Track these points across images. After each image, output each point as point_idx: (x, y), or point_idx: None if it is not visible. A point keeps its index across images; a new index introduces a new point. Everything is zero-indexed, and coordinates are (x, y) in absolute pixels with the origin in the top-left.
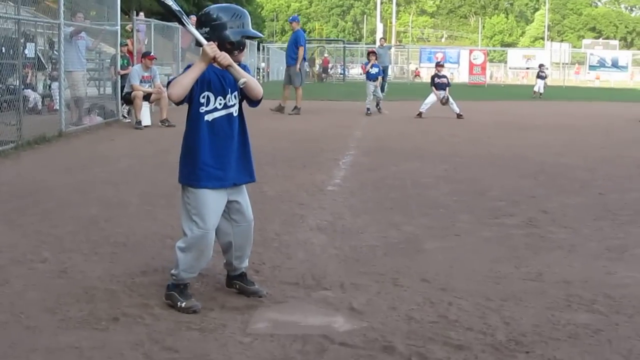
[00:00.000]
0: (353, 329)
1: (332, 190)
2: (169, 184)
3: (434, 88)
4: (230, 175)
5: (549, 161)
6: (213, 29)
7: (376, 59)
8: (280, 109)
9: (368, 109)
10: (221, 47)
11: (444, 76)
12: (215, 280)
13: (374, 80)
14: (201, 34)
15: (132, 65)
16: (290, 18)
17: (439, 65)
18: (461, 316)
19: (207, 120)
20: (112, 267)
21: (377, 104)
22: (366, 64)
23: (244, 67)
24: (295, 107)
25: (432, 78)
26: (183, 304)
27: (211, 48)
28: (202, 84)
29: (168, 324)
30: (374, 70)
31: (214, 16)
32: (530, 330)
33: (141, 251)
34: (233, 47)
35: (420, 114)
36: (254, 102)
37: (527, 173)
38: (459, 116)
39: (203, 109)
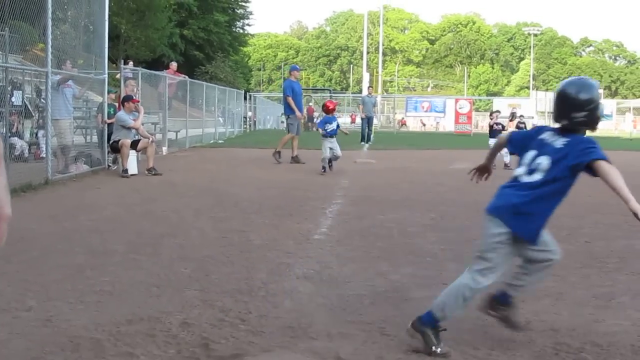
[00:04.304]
0: None
1: (318, 239)
2: (154, 232)
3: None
4: None
5: None
6: (590, 112)
7: (333, 111)
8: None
9: (324, 168)
10: (592, 127)
11: (500, 124)
12: (201, 329)
13: (330, 137)
14: (576, 119)
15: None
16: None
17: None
18: None
19: None
20: (97, 316)
21: (330, 162)
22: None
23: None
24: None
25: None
26: (439, 349)
27: None
28: None
29: None
30: (331, 127)
31: (589, 98)
32: None
33: (127, 300)
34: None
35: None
36: None
37: None
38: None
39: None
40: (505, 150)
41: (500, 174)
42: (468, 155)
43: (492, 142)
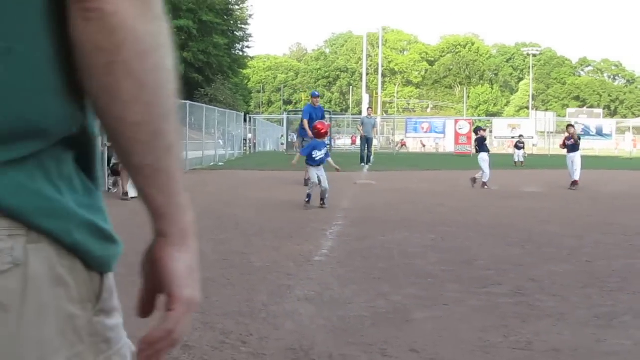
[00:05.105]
0: None
1: (319, 261)
2: None
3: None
4: None
5: (535, 229)
6: None
7: (325, 135)
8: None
9: (309, 197)
10: None
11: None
12: (202, 352)
13: (317, 166)
14: None
15: None
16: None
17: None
18: None
19: None
20: None
21: (322, 199)
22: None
23: None
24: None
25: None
26: None
27: None
28: None
29: None
30: (319, 154)
31: None
32: None
33: (127, 322)
34: None
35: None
36: None
37: (514, 241)
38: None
39: None
40: (484, 172)
41: (489, 192)
42: (470, 176)
43: (483, 156)
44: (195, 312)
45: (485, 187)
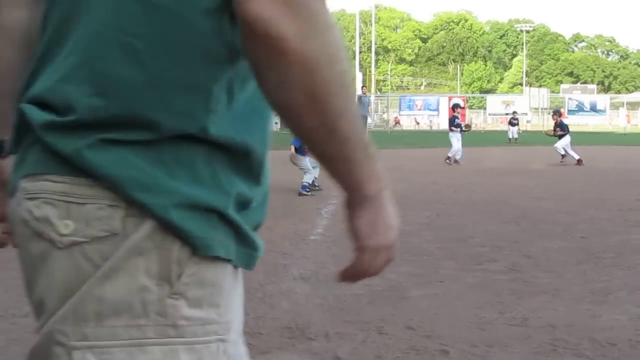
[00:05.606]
0: None
1: (314, 240)
2: None
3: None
4: None
5: (530, 206)
6: None
7: None
8: None
9: (306, 186)
10: None
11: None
12: None
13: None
14: None
15: None
16: None
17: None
18: None
19: None
20: None
21: (313, 182)
22: None
23: None
24: None
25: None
26: None
27: None
28: None
29: None
30: None
31: None
32: None
33: None
34: None
35: (456, 161)
36: None
37: (509, 218)
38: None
39: None
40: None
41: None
42: (465, 153)
43: (453, 136)
44: (393, 251)
45: (456, 163)
